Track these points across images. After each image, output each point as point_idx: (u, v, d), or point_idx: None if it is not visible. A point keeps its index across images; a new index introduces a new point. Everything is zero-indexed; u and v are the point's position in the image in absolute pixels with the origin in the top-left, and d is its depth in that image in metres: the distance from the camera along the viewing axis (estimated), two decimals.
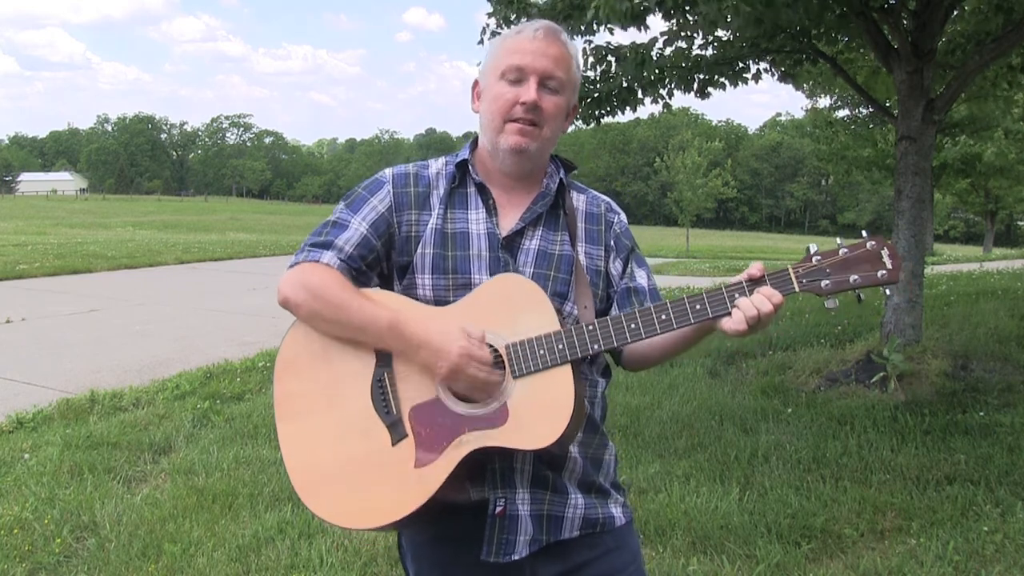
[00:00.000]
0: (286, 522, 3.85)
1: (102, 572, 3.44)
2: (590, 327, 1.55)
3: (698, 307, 1.52)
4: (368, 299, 1.60)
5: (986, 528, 3.68)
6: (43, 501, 4.09)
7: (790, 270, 1.53)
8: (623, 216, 1.83)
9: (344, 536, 3.67)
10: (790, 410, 5.58)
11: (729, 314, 1.51)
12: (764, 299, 1.49)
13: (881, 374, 5.90)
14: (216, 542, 3.67)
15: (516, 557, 1.62)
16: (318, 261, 1.63)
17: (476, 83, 1.75)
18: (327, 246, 1.65)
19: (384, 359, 1.60)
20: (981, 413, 5.30)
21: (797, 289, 1.52)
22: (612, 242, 1.77)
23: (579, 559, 1.69)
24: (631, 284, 1.75)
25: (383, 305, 1.59)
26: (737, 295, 1.51)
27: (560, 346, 1.53)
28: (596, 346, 1.54)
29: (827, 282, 1.51)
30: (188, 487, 4.32)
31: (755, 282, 1.52)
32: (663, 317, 1.53)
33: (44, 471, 4.52)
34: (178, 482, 4.42)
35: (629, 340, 1.55)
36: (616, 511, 1.75)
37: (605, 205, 1.82)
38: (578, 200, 1.79)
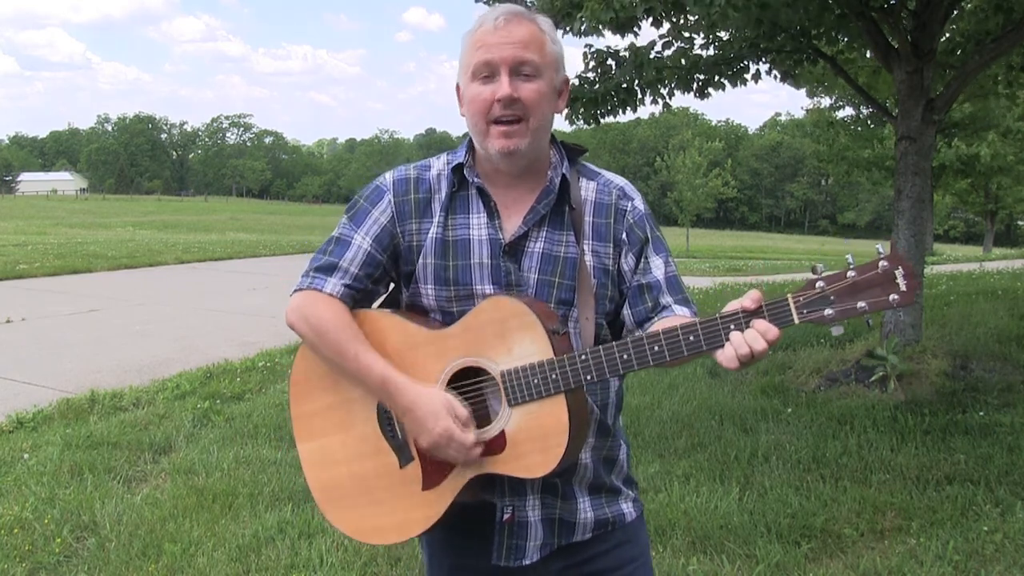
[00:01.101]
0: (286, 522, 3.85)
1: (102, 572, 3.44)
2: (583, 357, 1.50)
3: (691, 339, 1.46)
4: (367, 348, 1.58)
5: (986, 528, 3.68)
6: (43, 501, 4.09)
7: (790, 300, 1.42)
8: (638, 201, 1.70)
9: (344, 536, 3.66)
10: (790, 410, 5.58)
11: (723, 346, 1.44)
12: (757, 336, 1.40)
13: (880, 374, 5.90)
14: (216, 542, 3.67)
15: (527, 562, 1.64)
16: (321, 290, 1.61)
17: (458, 87, 1.66)
18: (331, 269, 1.63)
19: None
20: (981, 413, 5.30)
21: (797, 321, 1.42)
22: (624, 235, 1.66)
23: (588, 552, 1.70)
24: (643, 280, 1.66)
25: (380, 347, 1.59)
26: (732, 327, 1.43)
27: (554, 376, 1.50)
28: (589, 377, 1.50)
29: (830, 311, 1.41)
30: (188, 487, 4.32)
31: (752, 313, 1.43)
32: (656, 349, 1.48)
33: (44, 471, 4.52)
34: (178, 482, 4.42)
35: (621, 372, 1.51)
36: (627, 507, 1.75)
37: (617, 192, 1.69)
38: (587, 189, 1.68)
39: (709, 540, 3.63)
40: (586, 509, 1.68)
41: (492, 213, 1.64)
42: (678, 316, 1.61)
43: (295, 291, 1.65)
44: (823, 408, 5.56)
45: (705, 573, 3.39)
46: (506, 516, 1.62)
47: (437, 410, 1.52)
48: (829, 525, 3.77)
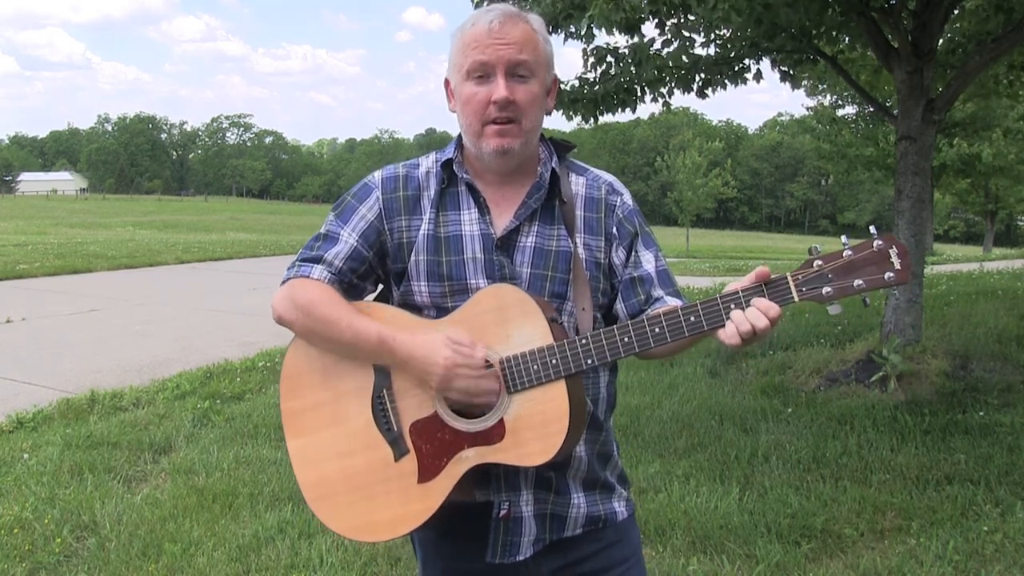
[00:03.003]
0: (286, 522, 3.85)
1: (102, 572, 3.44)
2: (583, 341, 1.51)
3: (692, 319, 1.48)
4: (358, 314, 1.58)
5: (986, 528, 3.68)
6: (43, 501, 4.09)
7: (789, 279, 1.45)
8: (627, 196, 1.73)
9: (342, 536, 3.67)
10: (790, 410, 5.58)
11: (724, 326, 1.46)
12: (759, 313, 1.42)
13: (880, 374, 5.90)
14: (216, 542, 3.67)
15: (520, 558, 1.63)
16: (308, 276, 1.62)
17: (447, 81, 1.67)
18: (317, 261, 1.64)
19: (383, 375, 1.60)
20: (981, 413, 5.30)
21: (797, 299, 1.45)
22: (614, 229, 1.69)
23: (580, 553, 1.70)
24: (635, 273, 1.69)
25: (373, 319, 1.58)
26: (733, 306, 1.45)
27: (553, 361, 1.51)
28: (589, 361, 1.51)
29: (829, 289, 1.44)
30: (188, 487, 4.32)
31: (752, 292, 1.45)
32: (656, 331, 1.49)
33: (44, 471, 4.52)
34: (178, 482, 4.42)
35: (623, 355, 1.52)
36: (619, 506, 1.75)
37: (606, 187, 1.72)
38: (577, 184, 1.70)
39: (709, 540, 3.63)
40: (580, 504, 1.68)
41: (482, 208, 1.65)
42: (669, 305, 1.61)
43: (282, 283, 1.66)
44: (823, 408, 5.56)
45: (705, 573, 3.39)
46: (502, 512, 1.62)
47: (436, 345, 1.52)
48: (829, 525, 3.77)
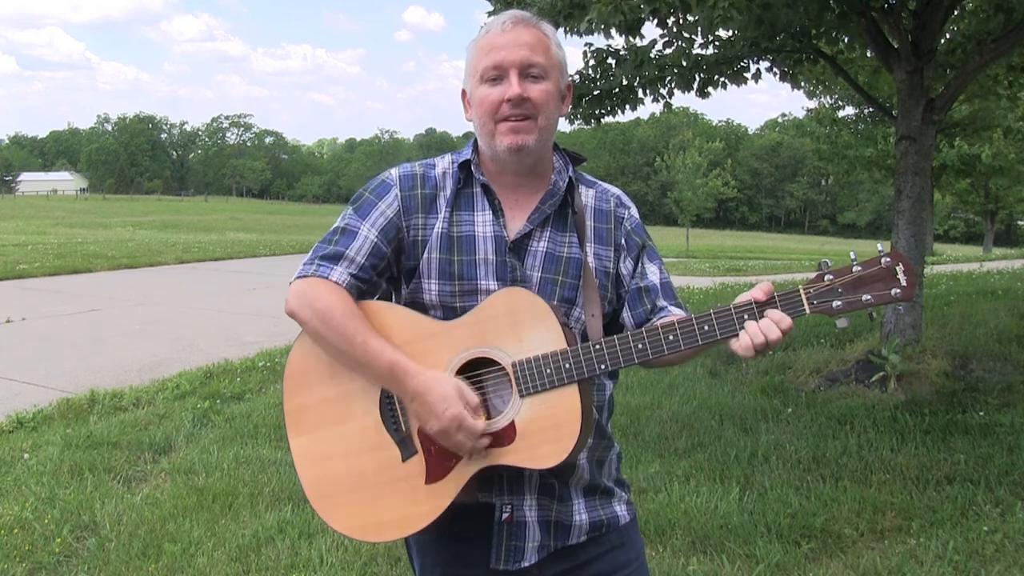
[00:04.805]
0: (286, 522, 3.85)
1: (102, 572, 3.44)
2: (597, 347, 1.52)
3: (706, 328, 1.51)
4: (373, 333, 1.57)
5: (986, 528, 3.68)
6: (43, 501, 4.09)
7: (801, 292, 1.50)
8: (634, 210, 1.78)
9: (344, 536, 3.67)
10: (790, 410, 5.58)
11: (737, 335, 1.49)
12: (772, 325, 1.47)
13: (880, 374, 5.90)
14: (216, 542, 3.67)
15: (525, 564, 1.63)
16: (327, 278, 1.60)
17: (464, 92, 1.69)
18: (337, 258, 1.62)
19: None
20: (981, 413, 5.30)
21: (808, 311, 1.49)
22: (623, 240, 1.73)
23: (584, 556, 1.70)
24: (642, 283, 1.72)
25: (386, 339, 1.57)
26: (746, 316, 1.49)
27: (567, 365, 1.52)
28: (603, 366, 1.52)
29: (839, 302, 1.49)
30: (188, 487, 4.32)
31: (765, 303, 1.49)
32: (671, 338, 1.52)
33: (44, 471, 4.52)
34: (178, 482, 4.42)
35: (636, 361, 1.54)
36: (620, 510, 1.75)
37: (615, 200, 1.76)
38: (586, 196, 1.74)
39: (709, 540, 3.63)
40: (581, 511, 1.69)
41: (496, 211, 1.66)
42: (675, 315, 1.64)
43: (297, 278, 1.63)
44: (823, 408, 5.56)
45: (705, 573, 3.39)
46: (505, 515, 1.62)
47: (448, 394, 1.51)
48: (829, 525, 3.77)
